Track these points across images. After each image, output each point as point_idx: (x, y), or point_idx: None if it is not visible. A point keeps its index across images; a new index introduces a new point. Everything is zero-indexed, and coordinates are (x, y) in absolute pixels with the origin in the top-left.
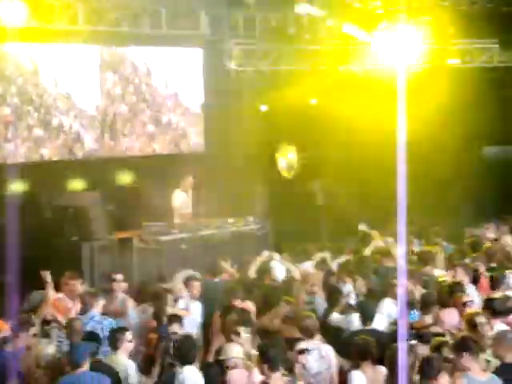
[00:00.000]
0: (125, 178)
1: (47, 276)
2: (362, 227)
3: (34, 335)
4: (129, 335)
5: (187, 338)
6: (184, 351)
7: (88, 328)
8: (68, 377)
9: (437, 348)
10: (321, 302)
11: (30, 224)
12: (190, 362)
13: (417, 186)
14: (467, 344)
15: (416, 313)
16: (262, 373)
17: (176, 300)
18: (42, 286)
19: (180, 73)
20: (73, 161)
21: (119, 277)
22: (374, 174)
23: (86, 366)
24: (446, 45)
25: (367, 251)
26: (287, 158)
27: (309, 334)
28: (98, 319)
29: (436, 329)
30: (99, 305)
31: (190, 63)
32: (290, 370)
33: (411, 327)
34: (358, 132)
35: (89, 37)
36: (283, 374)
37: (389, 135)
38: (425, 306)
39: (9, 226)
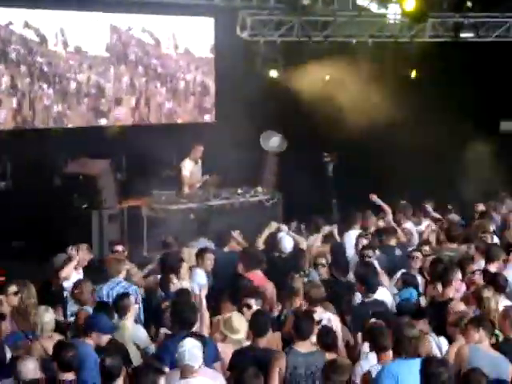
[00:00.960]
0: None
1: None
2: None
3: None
4: (133, 299)
5: (187, 302)
6: (184, 316)
7: (115, 293)
8: None
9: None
10: (315, 276)
11: (41, 190)
12: (189, 327)
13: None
14: (485, 322)
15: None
16: None
17: (191, 268)
18: (53, 251)
19: (191, 42)
20: (86, 127)
21: (120, 248)
22: (385, 149)
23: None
24: (460, 17)
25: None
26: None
27: (313, 303)
28: (124, 285)
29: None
30: (125, 270)
31: (201, 33)
32: None
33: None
34: (367, 108)
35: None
36: None
37: (397, 110)
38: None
39: (21, 193)
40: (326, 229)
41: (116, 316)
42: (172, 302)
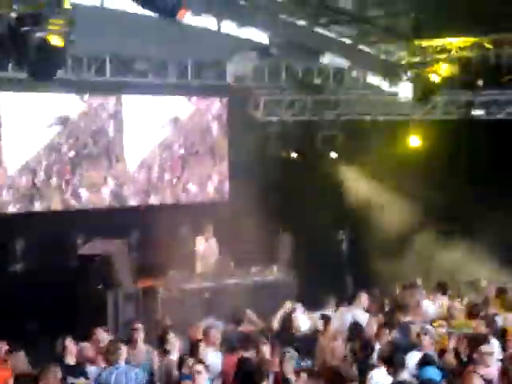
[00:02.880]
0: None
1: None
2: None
3: None
4: None
5: None
6: None
7: (113, 379)
8: None
9: None
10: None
11: (57, 271)
12: None
13: None
14: None
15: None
16: None
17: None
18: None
19: (205, 122)
20: (100, 208)
21: (139, 326)
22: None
23: None
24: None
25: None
26: None
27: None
28: (122, 370)
29: None
30: (123, 354)
31: (215, 112)
32: None
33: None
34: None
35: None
36: None
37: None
38: None
39: (36, 274)
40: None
41: None
42: None
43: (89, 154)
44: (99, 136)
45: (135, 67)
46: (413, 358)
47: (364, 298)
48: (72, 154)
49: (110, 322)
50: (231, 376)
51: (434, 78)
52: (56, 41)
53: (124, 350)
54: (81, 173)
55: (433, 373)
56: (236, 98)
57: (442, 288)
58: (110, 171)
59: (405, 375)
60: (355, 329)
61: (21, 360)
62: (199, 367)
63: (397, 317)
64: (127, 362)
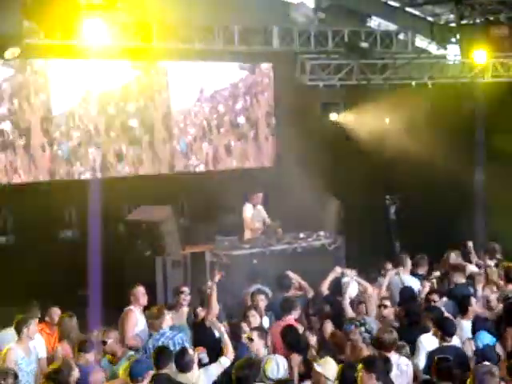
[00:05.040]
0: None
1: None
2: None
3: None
4: (191, 351)
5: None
6: None
7: (159, 344)
8: None
9: None
10: (372, 324)
11: (105, 238)
12: None
13: None
14: None
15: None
16: None
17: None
18: (117, 300)
19: (251, 88)
20: (148, 175)
21: (186, 289)
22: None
23: (145, 382)
24: None
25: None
26: None
27: (386, 349)
28: (168, 335)
29: None
30: (167, 320)
31: (260, 78)
32: None
33: None
34: (428, 149)
35: (162, 54)
36: None
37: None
38: None
39: (85, 241)
40: (391, 272)
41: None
42: None
43: None
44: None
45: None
46: (465, 323)
47: (411, 262)
48: None
49: (159, 288)
50: (279, 342)
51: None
52: None
53: (168, 315)
54: None
55: (487, 338)
56: (282, 63)
57: (490, 253)
58: None
59: (455, 340)
60: (406, 293)
61: (72, 325)
62: (253, 333)
63: (449, 280)
64: (171, 328)
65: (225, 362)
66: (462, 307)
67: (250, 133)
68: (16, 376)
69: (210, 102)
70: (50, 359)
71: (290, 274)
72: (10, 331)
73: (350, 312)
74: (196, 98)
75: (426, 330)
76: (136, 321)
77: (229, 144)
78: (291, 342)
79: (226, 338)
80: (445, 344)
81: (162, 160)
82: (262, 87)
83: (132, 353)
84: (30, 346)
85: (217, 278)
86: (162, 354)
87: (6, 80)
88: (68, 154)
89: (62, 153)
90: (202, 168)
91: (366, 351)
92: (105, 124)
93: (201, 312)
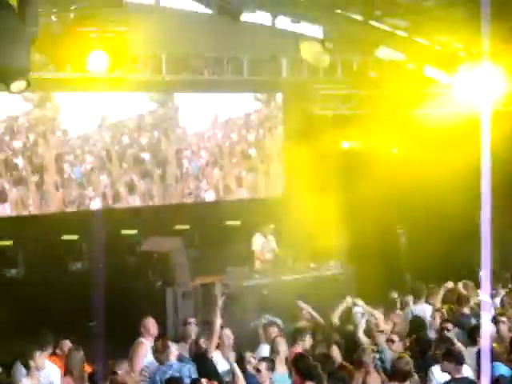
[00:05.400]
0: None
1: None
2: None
3: None
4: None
5: None
6: None
7: (167, 377)
8: None
9: None
10: (387, 353)
11: (115, 269)
12: None
13: None
14: None
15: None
16: None
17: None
18: (127, 331)
19: (260, 117)
20: (158, 206)
21: (192, 320)
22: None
23: None
24: None
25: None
26: None
27: (401, 378)
28: (175, 367)
29: None
30: (173, 353)
31: (270, 108)
32: None
33: None
34: (438, 179)
35: (172, 85)
36: None
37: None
38: None
39: (96, 272)
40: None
41: None
42: None
43: None
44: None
45: (190, 64)
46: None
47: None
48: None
49: (170, 319)
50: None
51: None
52: None
53: (174, 347)
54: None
55: (502, 369)
56: (292, 93)
57: (501, 281)
58: None
59: (467, 372)
60: (415, 323)
61: (79, 358)
62: (260, 365)
63: (459, 310)
64: (179, 359)
65: None
66: (471, 337)
67: (258, 161)
68: None
69: (223, 128)
70: None
71: (301, 304)
72: None
73: (365, 341)
74: (210, 123)
75: (438, 361)
76: (146, 352)
77: (239, 175)
78: (303, 370)
79: (237, 369)
80: (457, 375)
81: (172, 195)
82: (276, 121)
83: None
84: (42, 378)
85: (220, 302)
86: None
87: (24, 114)
88: (81, 177)
89: (74, 176)
90: (212, 195)
91: (378, 378)
92: (116, 153)
93: (203, 343)
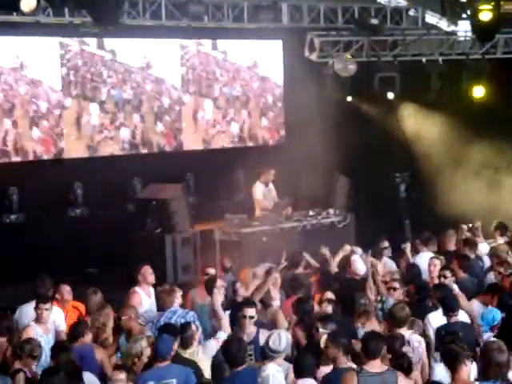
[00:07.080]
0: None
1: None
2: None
3: None
4: (195, 327)
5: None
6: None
7: (172, 322)
8: (154, 370)
9: None
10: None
11: (114, 216)
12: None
13: None
14: None
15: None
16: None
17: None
18: (125, 277)
19: (261, 65)
20: (156, 153)
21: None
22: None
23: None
24: None
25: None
26: None
27: (398, 325)
28: (180, 313)
29: None
30: (178, 299)
31: (270, 56)
32: None
33: None
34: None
35: (171, 31)
36: None
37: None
38: None
39: (95, 219)
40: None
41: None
42: None
43: None
44: None
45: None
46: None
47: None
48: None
49: (169, 265)
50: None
51: (495, 15)
52: None
53: (179, 294)
54: None
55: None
56: (291, 40)
57: (500, 230)
58: None
59: (463, 316)
60: (413, 270)
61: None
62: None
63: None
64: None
65: (221, 336)
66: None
67: (258, 110)
68: (40, 345)
69: (219, 80)
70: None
71: (305, 254)
72: (31, 306)
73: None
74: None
75: (436, 307)
76: (140, 301)
77: (238, 121)
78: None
79: (221, 312)
80: (452, 320)
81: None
82: (273, 64)
83: (150, 333)
84: (49, 324)
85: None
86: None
87: None
88: None
89: None
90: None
91: (378, 327)
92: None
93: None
